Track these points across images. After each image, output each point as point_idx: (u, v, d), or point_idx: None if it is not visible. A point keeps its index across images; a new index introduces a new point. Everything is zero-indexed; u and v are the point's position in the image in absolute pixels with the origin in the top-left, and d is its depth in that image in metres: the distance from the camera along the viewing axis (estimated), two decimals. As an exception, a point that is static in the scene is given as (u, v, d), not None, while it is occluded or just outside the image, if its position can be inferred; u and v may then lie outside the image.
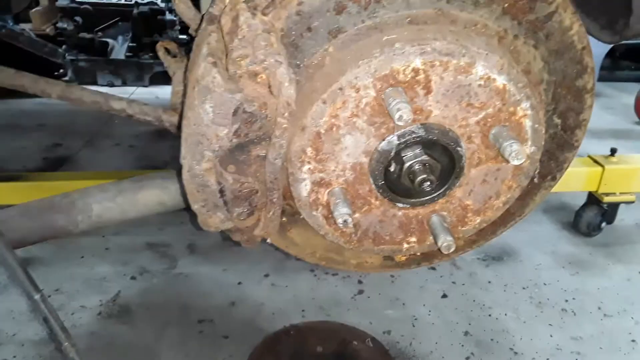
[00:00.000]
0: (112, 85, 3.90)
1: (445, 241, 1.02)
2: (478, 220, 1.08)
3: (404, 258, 1.25)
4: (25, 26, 3.72)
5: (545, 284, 2.14)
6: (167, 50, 1.27)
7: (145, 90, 3.94)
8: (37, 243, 1.25)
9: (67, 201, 1.22)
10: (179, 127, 1.05)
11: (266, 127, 0.89)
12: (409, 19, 0.90)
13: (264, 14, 0.86)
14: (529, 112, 0.94)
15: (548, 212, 2.70)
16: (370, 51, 0.87)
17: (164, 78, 4.14)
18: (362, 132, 0.92)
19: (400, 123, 0.85)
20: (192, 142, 0.88)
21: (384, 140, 0.94)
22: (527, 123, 0.95)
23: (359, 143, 0.94)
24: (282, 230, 1.13)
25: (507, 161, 0.93)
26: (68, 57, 3.82)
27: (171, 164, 2.91)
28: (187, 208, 1.13)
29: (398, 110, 0.84)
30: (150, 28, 3.86)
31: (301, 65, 0.92)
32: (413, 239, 1.09)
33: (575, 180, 2.41)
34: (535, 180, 1.12)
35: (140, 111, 1.24)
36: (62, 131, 3.36)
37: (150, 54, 3.87)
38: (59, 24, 3.74)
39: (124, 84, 4.00)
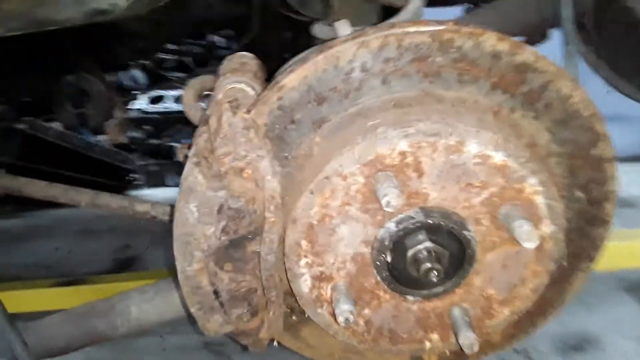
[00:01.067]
0: (178, 185, 4.12)
1: (467, 338, 0.91)
2: (506, 312, 0.97)
3: (435, 358, 1.14)
4: (103, 137, 4.08)
5: (635, 377, 1.87)
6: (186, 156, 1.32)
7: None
8: (79, 349, 1.27)
9: (107, 305, 1.25)
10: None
11: (257, 222, 0.87)
12: (393, 103, 0.88)
13: (247, 112, 0.87)
14: (538, 187, 0.85)
15: (630, 291, 2.41)
16: (354, 137, 0.85)
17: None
18: (358, 220, 0.88)
19: (388, 209, 0.81)
20: (181, 243, 0.87)
21: (382, 227, 0.88)
22: (539, 200, 0.86)
23: (356, 232, 0.89)
24: (293, 331, 1.07)
25: (520, 244, 0.84)
26: (138, 163, 4.10)
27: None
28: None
29: (385, 195, 0.80)
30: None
31: (289, 157, 0.91)
32: (435, 336, 0.99)
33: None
34: (565, 262, 1.00)
35: (164, 212, 1.28)
36: (131, 233, 3.53)
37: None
38: (130, 133, 4.06)
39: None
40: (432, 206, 0.87)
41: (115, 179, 3.95)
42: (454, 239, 0.89)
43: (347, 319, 0.87)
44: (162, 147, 4.13)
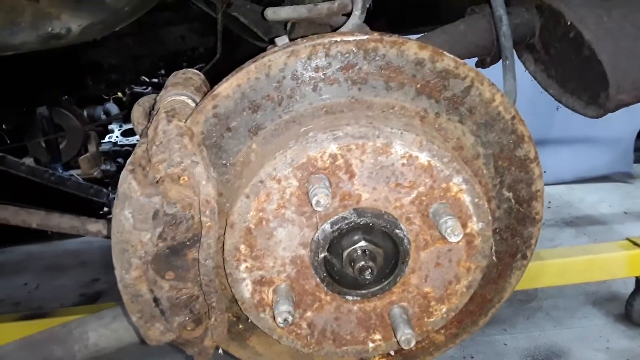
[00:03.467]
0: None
1: (404, 334, 0.93)
2: (444, 309, 0.99)
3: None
4: (75, 172, 4.07)
5: (602, 387, 1.89)
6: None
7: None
8: None
9: (64, 331, 1.23)
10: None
11: (195, 228, 0.89)
12: (324, 109, 0.92)
13: (183, 121, 0.90)
14: (463, 186, 0.89)
15: (597, 305, 2.45)
16: (287, 142, 0.89)
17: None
18: (294, 223, 0.91)
19: (318, 209, 0.84)
20: (118, 250, 0.89)
21: (318, 229, 0.91)
22: (466, 198, 0.90)
23: (293, 235, 0.91)
24: (240, 340, 1.07)
25: (447, 239, 0.87)
26: (112, 196, 4.08)
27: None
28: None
29: (315, 196, 0.83)
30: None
31: (227, 164, 0.94)
32: (377, 337, 1.01)
33: (616, 266, 2.22)
34: (504, 258, 1.03)
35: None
36: (102, 267, 3.50)
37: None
38: (103, 167, 4.05)
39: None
40: (365, 207, 0.90)
41: (88, 213, 3.92)
42: (387, 239, 0.92)
43: (285, 319, 0.89)
44: (135, 180, 4.14)
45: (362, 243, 0.91)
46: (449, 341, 1.11)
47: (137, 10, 1.32)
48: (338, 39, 0.88)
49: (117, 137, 4.08)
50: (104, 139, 4.15)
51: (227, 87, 0.90)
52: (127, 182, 0.86)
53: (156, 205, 0.86)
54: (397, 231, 0.92)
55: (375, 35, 0.90)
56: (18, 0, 1.20)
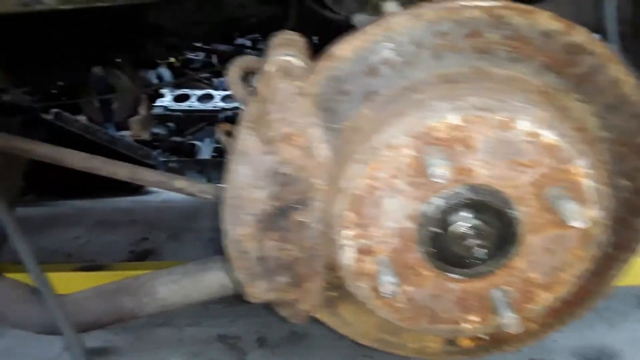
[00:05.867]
0: (198, 182, 4.14)
1: (508, 318, 0.90)
2: (547, 297, 0.96)
3: (470, 343, 1.13)
4: (126, 133, 4.13)
5: (655, 393, 1.83)
6: (227, 132, 1.33)
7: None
8: (108, 325, 1.27)
9: (136, 284, 1.26)
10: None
11: (304, 190, 0.88)
12: (444, 78, 0.88)
13: (298, 80, 0.88)
14: (587, 170, 0.85)
15: (650, 307, 2.37)
16: (404, 110, 0.86)
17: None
18: (404, 194, 0.88)
19: (435, 180, 0.81)
20: (231, 206, 0.88)
21: (428, 202, 0.88)
22: (587, 183, 0.86)
23: (402, 206, 0.89)
24: (331, 306, 1.07)
25: (567, 224, 0.84)
26: (160, 159, 4.14)
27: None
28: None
29: (432, 167, 0.80)
30: (233, 129, 4.14)
31: (337, 128, 0.91)
32: (474, 318, 0.98)
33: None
34: (610, 249, 0.99)
35: (200, 189, 1.29)
36: (150, 226, 3.56)
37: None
38: (154, 130, 4.10)
39: (209, 181, 4.24)
40: (480, 183, 0.87)
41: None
42: (499, 218, 0.89)
43: (391, 291, 0.87)
44: (184, 145, 4.17)
45: (474, 221, 0.88)
46: (542, 330, 1.08)
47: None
48: (468, 3, 0.84)
49: (168, 101, 4.10)
50: (154, 102, 4.19)
51: (346, 48, 0.87)
52: (245, 138, 0.84)
53: (272, 163, 0.85)
54: (510, 211, 0.88)
55: (506, 2, 0.85)
56: None
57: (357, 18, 1.39)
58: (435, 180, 0.81)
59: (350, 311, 1.07)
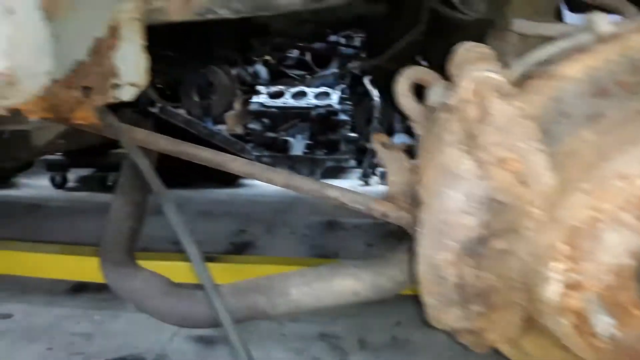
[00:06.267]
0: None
1: None
2: None
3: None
4: (222, 127, 4.22)
5: None
6: (383, 144, 1.29)
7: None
8: (241, 322, 1.28)
9: (268, 284, 1.26)
10: (415, 219, 1.02)
11: (513, 218, 0.82)
12: (687, 103, 0.79)
13: (514, 99, 0.82)
14: None
15: None
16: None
17: (333, 172, 4.36)
18: (630, 229, 0.80)
19: None
20: (434, 231, 0.84)
21: (655, 239, 0.80)
22: None
23: (624, 242, 0.81)
24: (516, 336, 1.00)
25: None
26: (254, 154, 4.21)
27: (340, 254, 2.98)
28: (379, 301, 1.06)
29: None
30: (325, 127, 4.14)
31: (551, 152, 0.84)
32: (680, 361, 0.89)
33: None
34: None
35: (352, 200, 1.26)
36: (246, 219, 3.62)
37: (325, 151, 4.12)
38: (250, 125, 4.16)
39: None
40: None
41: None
42: None
43: (612, 335, 0.80)
44: (277, 141, 4.21)
45: None
46: None
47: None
48: None
49: (264, 98, 4.15)
50: (250, 98, 4.25)
51: (575, 68, 0.80)
52: (462, 162, 0.79)
53: (488, 190, 0.80)
54: None
55: None
56: None
57: (519, 25, 1.30)
58: None
59: (534, 343, 1.00)
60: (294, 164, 4.23)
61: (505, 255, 0.85)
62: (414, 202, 1.02)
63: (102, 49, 1.01)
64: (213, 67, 3.64)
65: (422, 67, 1.15)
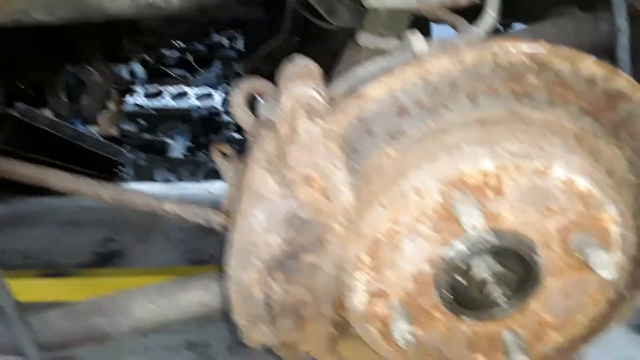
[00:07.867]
0: (167, 181, 4.03)
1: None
2: (558, 337, 0.95)
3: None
4: (93, 128, 3.97)
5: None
6: (223, 154, 1.27)
7: (198, 185, 4.04)
8: (78, 348, 1.20)
9: (109, 303, 1.19)
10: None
11: (319, 233, 0.84)
12: (477, 121, 0.85)
13: (323, 120, 0.83)
14: (615, 217, 0.84)
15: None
16: (435, 153, 0.82)
17: (217, 174, 4.28)
18: (426, 238, 0.85)
19: (472, 232, 0.78)
20: (240, 250, 0.83)
21: (450, 248, 0.85)
22: (614, 229, 0.85)
23: (421, 250, 0.86)
24: (330, 344, 1.03)
25: (594, 271, 0.82)
26: (130, 156, 4.00)
27: (217, 259, 2.93)
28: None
29: (468, 217, 0.77)
30: (207, 128, 4.05)
31: (359, 169, 0.87)
32: (480, 358, 0.96)
33: None
34: (624, 290, 0.99)
35: (192, 213, 1.22)
36: (117, 226, 3.43)
37: (206, 152, 4.04)
38: (123, 126, 3.95)
39: (180, 180, 4.12)
40: (505, 228, 0.85)
41: (104, 171, 3.84)
42: (521, 263, 0.87)
43: (406, 340, 0.84)
44: (154, 143, 4.04)
45: (497, 267, 0.86)
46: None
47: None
48: (512, 48, 0.81)
49: (140, 98, 3.97)
50: (124, 99, 4.04)
51: (378, 89, 0.83)
52: (265, 181, 0.79)
53: (291, 208, 0.80)
54: (534, 257, 0.86)
55: (551, 47, 0.83)
56: None
57: (364, 38, 1.34)
58: (470, 231, 0.78)
59: (350, 349, 1.04)
60: (173, 167, 4.09)
61: (315, 269, 0.86)
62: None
63: None
64: (84, 65, 3.40)
65: (257, 79, 1.13)
